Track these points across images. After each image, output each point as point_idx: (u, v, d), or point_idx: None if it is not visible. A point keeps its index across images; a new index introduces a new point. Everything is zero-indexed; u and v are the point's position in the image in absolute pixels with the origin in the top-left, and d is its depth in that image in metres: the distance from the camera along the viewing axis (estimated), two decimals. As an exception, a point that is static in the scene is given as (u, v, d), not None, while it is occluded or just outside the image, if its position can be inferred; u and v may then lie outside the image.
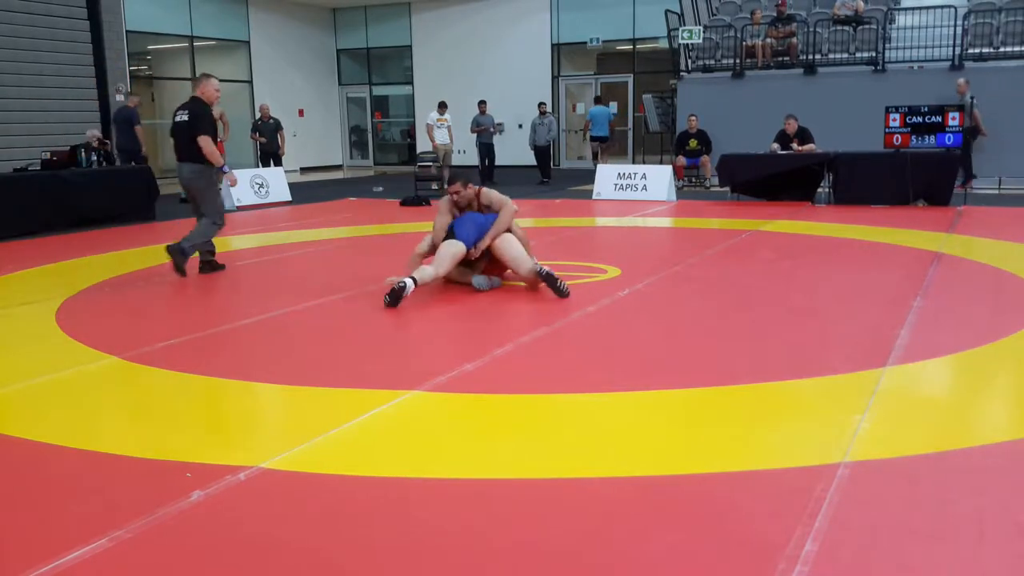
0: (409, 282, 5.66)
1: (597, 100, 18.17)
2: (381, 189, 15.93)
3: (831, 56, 15.03)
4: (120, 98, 15.20)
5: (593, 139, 17.34)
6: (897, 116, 11.35)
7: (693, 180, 14.99)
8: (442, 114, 15.79)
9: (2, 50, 13.28)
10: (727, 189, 12.53)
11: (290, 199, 13.92)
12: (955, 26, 14.02)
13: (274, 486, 2.99)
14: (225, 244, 8.00)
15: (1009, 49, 14.05)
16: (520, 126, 19.96)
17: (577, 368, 4.38)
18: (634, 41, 20.12)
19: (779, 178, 12.06)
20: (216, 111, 8.80)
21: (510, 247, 6.07)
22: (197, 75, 7.93)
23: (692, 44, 15.77)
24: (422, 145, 18.01)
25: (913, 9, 15.07)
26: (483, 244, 6.07)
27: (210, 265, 7.26)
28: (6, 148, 12.58)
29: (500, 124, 18.88)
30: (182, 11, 19.10)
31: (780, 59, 15.36)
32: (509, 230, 6.20)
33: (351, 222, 11.16)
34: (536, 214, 10.88)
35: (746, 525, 2.64)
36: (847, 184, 11.54)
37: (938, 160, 11.11)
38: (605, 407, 3.78)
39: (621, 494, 2.88)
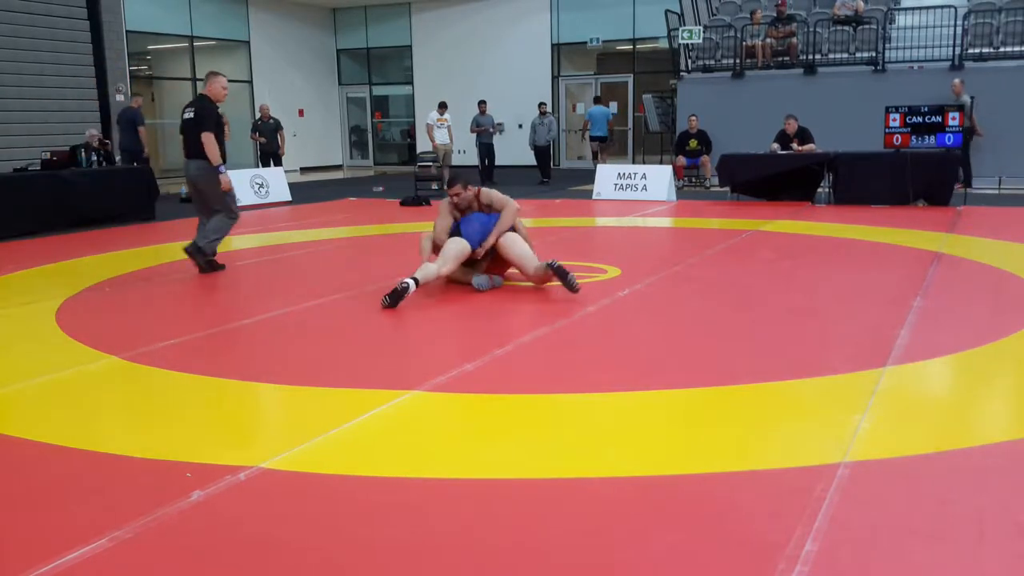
0: (411, 283, 5.66)
1: (596, 100, 18.17)
2: (381, 189, 15.93)
3: (831, 56, 15.03)
4: (120, 98, 15.21)
5: (592, 139, 17.35)
6: (897, 116, 11.36)
7: (693, 180, 14.99)
8: (442, 114, 15.79)
9: (2, 50, 13.28)
10: (727, 189, 12.53)
11: (290, 199, 13.92)
12: (955, 26, 14.02)
13: (274, 486, 2.99)
14: (225, 244, 8.00)
15: (1009, 49, 14.05)
16: (520, 126, 19.96)
17: (577, 368, 4.38)
18: (634, 41, 20.12)
19: (779, 178, 12.06)
20: (190, 111, 8.76)
21: (515, 245, 6.08)
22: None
23: (692, 44, 15.78)
24: (422, 145, 18.01)
25: (913, 9, 15.07)
26: (488, 243, 6.07)
27: (210, 265, 7.26)
28: (6, 148, 12.59)
29: (500, 124, 18.89)
30: (182, 11, 19.11)
31: (780, 59, 15.36)
32: (514, 229, 6.21)
33: (351, 222, 11.17)
34: (536, 214, 10.88)
35: (746, 525, 2.64)
36: (847, 184, 11.54)
37: (938, 160, 11.11)
38: (605, 407, 3.78)
39: (621, 494, 2.88)
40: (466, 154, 18.26)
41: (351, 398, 3.89)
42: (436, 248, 6.25)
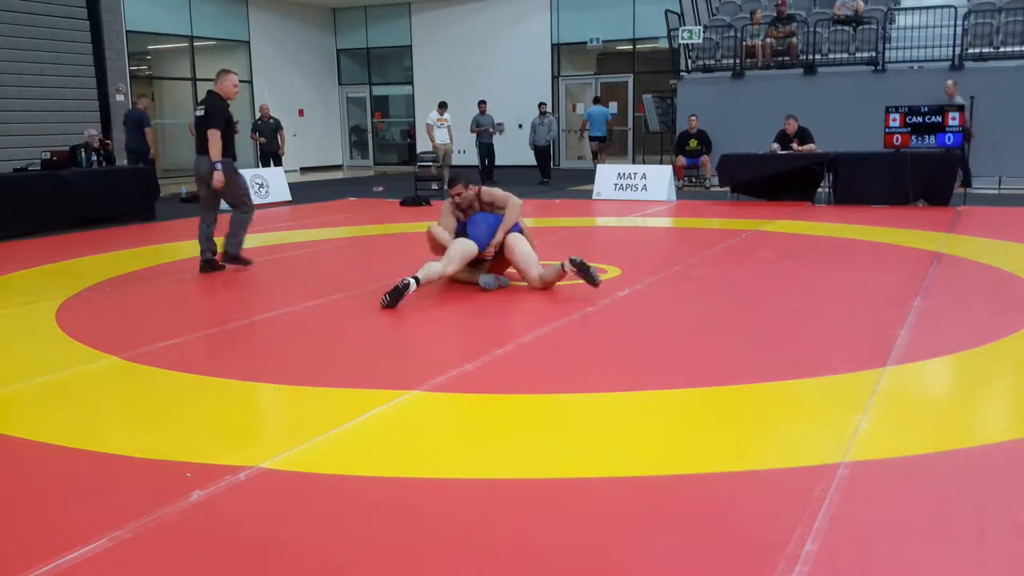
0: (412, 282, 5.66)
1: (596, 101, 18.17)
2: (381, 189, 15.93)
3: (831, 56, 15.04)
4: (120, 98, 15.21)
5: (591, 139, 17.35)
6: (897, 116, 11.36)
7: (693, 180, 14.99)
8: (442, 114, 15.79)
9: (2, 50, 13.28)
10: (727, 189, 12.53)
11: (290, 199, 13.92)
12: (955, 26, 14.02)
13: (274, 486, 2.99)
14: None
15: (1009, 49, 14.05)
16: (520, 126, 19.96)
17: (577, 368, 4.38)
18: (634, 41, 20.12)
19: (779, 178, 12.06)
20: (200, 109, 8.76)
21: (519, 245, 6.08)
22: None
23: (692, 44, 15.78)
24: (422, 145, 18.01)
25: (913, 9, 15.08)
26: (497, 240, 6.07)
27: (210, 264, 7.26)
28: (6, 148, 12.58)
29: (500, 124, 18.89)
30: (182, 11, 19.11)
31: (780, 59, 15.36)
32: (520, 230, 6.20)
33: (351, 222, 11.17)
34: (536, 214, 10.88)
35: (746, 525, 2.64)
36: (847, 184, 11.54)
37: (938, 160, 11.11)
38: (605, 407, 3.78)
39: (621, 494, 2.88)
40: (466, 154, 18.26)
41: (351, 398, 3.89)
42: (439, 250, 6.23)
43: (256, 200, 13.11)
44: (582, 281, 5.88)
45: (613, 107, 19.84)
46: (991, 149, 12.98)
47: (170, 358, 4.59)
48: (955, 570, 2.39)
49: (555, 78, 20.95)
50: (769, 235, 9.00)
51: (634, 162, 19.15)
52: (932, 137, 11.22)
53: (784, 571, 2.34)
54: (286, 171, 14.86)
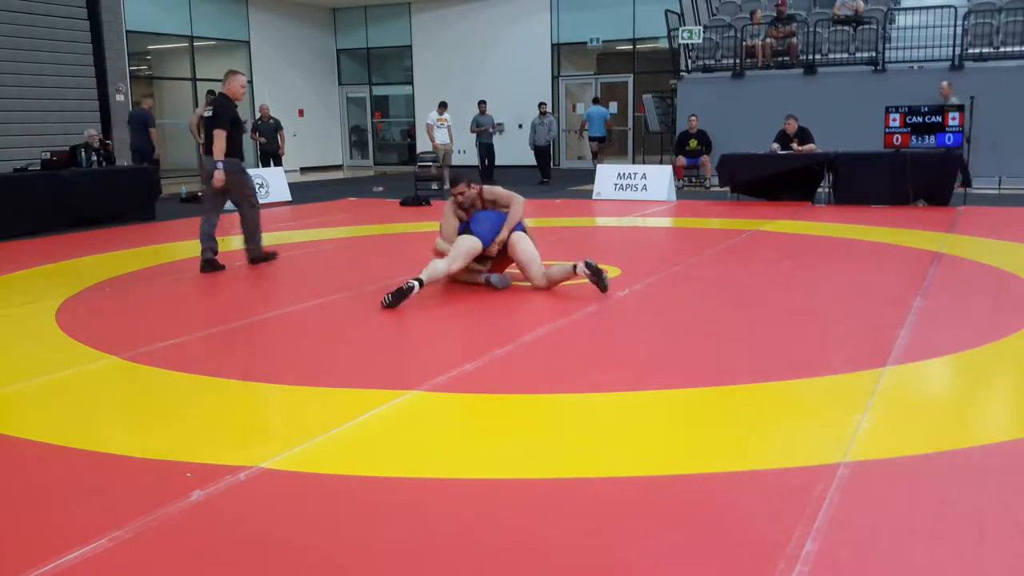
0: (416, 284, 5.65)
1: (595, 101, 18.17)
2: (381, 189, 15.93)
3: (831, 56, 15.04)
4: (120, 98, 15.21)
5: (591, 139, 17.36)
6: (897, 116, 11.36)
7: (693, 180, 14.99)
8: (442, 114, 15.80)
9: (2, 50, 13.27)
10: (727, 189, 12.53)
11: (290, 199, 13.92)
12: (955, 26, 14.02)
13: (274, 486, 2.99)
14: (225, 244, 8.01)
15: (1009, 49, 14.05)
16: (520, 126, 19.96)
17: (577, 368, 4.38)
18: (634, 41, 20.12)
19: (779, 178, 12.06)
20: (208, 110, 8.77)
21: (523, 244, 6.08)
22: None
23: (692, 44, 15.78)
24: (422, 145, 18.01)
25: (913, 9, 15.08)
26: (502, 237, 6.06)
27: (211, 264, 7.26)
28: (6, 148, 12.58)
29: (500, 124, 18.89)
30: (182, 11, 19.11)
31: (780, 59, 15.36)
32: (524, 229, 6.21)
33: (351, 222, 11.17)
34: (536, 214, 10.87)
35: (746, 525, 2.64)
36: (847, 184, 11.54)
37: (938, 160, 11.11)
38: (605, 407, 3.78)
39: (621, 494, 2.88)
40: (466, 154, 18.27)
41: (351, 398, 3.89)
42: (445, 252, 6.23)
43: (256, 200, 13.19)
44: (585, 281, 5.88)
45: (613, 107, 19.84)
46: (991, 149, 12.97)
47: (170, 358, 4.59)
48: (955, 570, 2.39)
49: (555, 78, 20.95)
50: (769, 235, 9.00)
51: (634, 162, 19.15)
52: (932, 137, 11.22)
53: (784, 571, 2.34)
54: (286, 171, 14.86)
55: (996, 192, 12.99)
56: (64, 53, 14.15)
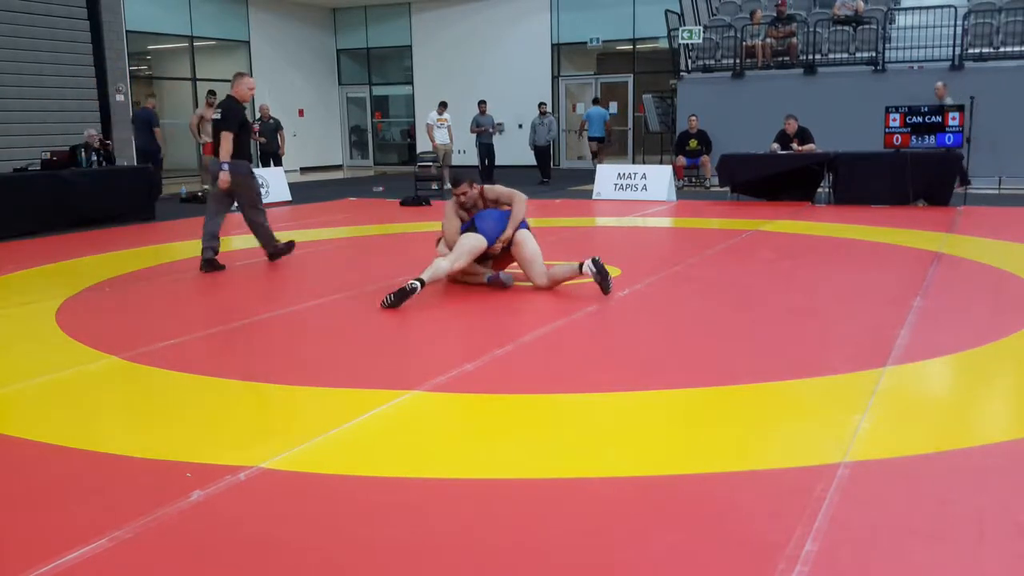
0: (418, 285, 5.65)
1: (595, 102, 18.17)
2: (381, 189, 15.93)
3: (831, 56, 15.04)
4: (120, 98, 15.20)
5: (590, 139, 17.37)
6: (897, 116, 11.36)
7: (693, 180, 14.99)
8: (442, 114, 15.80)
9: (2, 50, 13.26)
10: (727, 189, 12.53)
11: (290, 199, 13.92)
12: (955, 26, 14.03)
13: (274, 486, 2.99)
14: (225, 244, 8.01)
15: (1009, 49, 14.06)
16: (520, 126, 19.96)
17: (577, 368, 4.38)
18: (634, 41, 20.12)
19: (779, 178, 12.06)
20: (217, 112, 8.73)
21: (528, 241, 6.09)
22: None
23: (692, 44, 15.78)
24: (422, 145, 18.01)
25: (913, 9, 15.08)
26: (507, 235, 6.05)
27: (211, 264, 7.27)
28: (6, 148, 12.56)
29: (500, 124, 18.89)
30: (182, 11, 19.11)
31: (780, 59, 15.36)
32: (527, 226, 6.22)
33: (351, 222, 11.17)
34: (536, 214, 10.86)
35: (746, 525, 2.64)
36: (847, 184, 11.54)
37: (938, 160, 11.11)
38: (605, 407, 3.78)
39: (621, 494, 2.88)
40: (466, 154, 18.27)
41: (351, 398, 3.89)
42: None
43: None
44: (587, 281, 5.88)
45: (613, 107, 19.85)
46: (991, 149, 12.97)
47: (170, 358, 4.59)
48: (955, 570, 2.39)
49: (555, 78, 20.95)
50: (769, 235, 9.00)
51: (634, 162, 19.15)
52: (932, 137, 11.22)
53: (784, 571, 2.34)
54: (286, 171, 14.86)
55: (996, 192, 12.99)
56: (64, 53, 14.14)
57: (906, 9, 15.46)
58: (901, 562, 2.41)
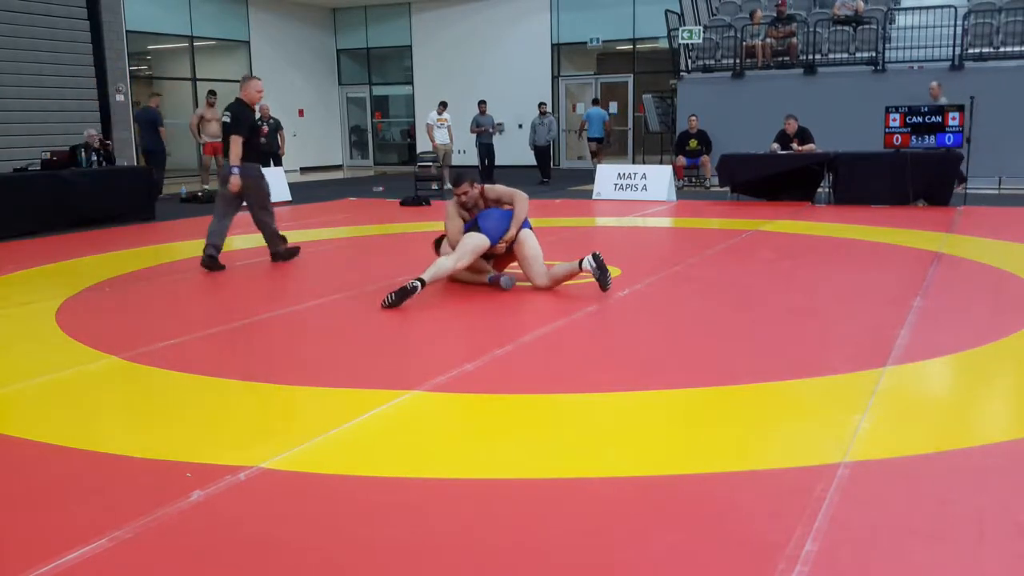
0: (419, 285, 5.64)
1: (595, 102, 18.18)
2: (381, 189, 15.93)
3: (831, 56, 15.04)
4: (120, 98, 15.21)
5: (589, 140, 17.38)
6: (897, 116, 11.35)
7: (693, 180, 14.99)
8: (442, 114, 15.79)
9: (2, 50, 13.27)
10: (727, 189, 12.53)
11: (290, 199, 13.92)
12: (955, 26, 14.02)
13: (274, 486, 2.99)
14: (226, 244, 8.00)
15: (1009, 49, 14.06)
16: (520, 126, 19.96)
17: (577, 368, 4.38)
18: (634, 41, 20.12)
19: (779, 178, 12.06)
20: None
21: (530, 240, 6.09)
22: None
23: (692, 44, 15.78)
24: (422, 145, 18.01)
25: (913, 9, 15.08)
26: (511, 234, 6.05)
27: (211, 261, 7.27)
28: (6, 148, 12.57)
29: (500, 124, 18.88)
30: (182, 11, 19.11)
31: (780, 59, 15.36)
32: (529, 226, 6.22)
33: (351, 222, 11.17)
34: (536, 214, 10.84)
35: (746, 525, 2.64)
36: (847, 184, 11.54)
37: (938, 160, 11.11)
38: (605, 407, 3.78)
39: (621, 494, 2.88)
40: (466, 154, 18.27)
41: (351, 398, 3.89)
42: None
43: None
44: (585, 281, 5.88)
45: (613, 107, 19.85)
46: (991, 149, 12.97)
47: (170, 358, 4.59)
48: (955, 570, 2.39)
49: (555, 78, 20.95)
50: (769, 235, 9.00)
51: (634, 162, 19.15)
52: (932, 137, 11.21)
53: (784, 571, 2.34)
54: (286, 171, 14.86)
55: (996, 192, 12.99)
56: (64, 53, 14.14)
57: (906, 9, 15.46)
58: (901, 562, 2.41)
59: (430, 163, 14.80)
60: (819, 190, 12.03)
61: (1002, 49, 14.13)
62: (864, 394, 3.78)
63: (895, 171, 11.15)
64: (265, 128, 7.22)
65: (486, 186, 6.34)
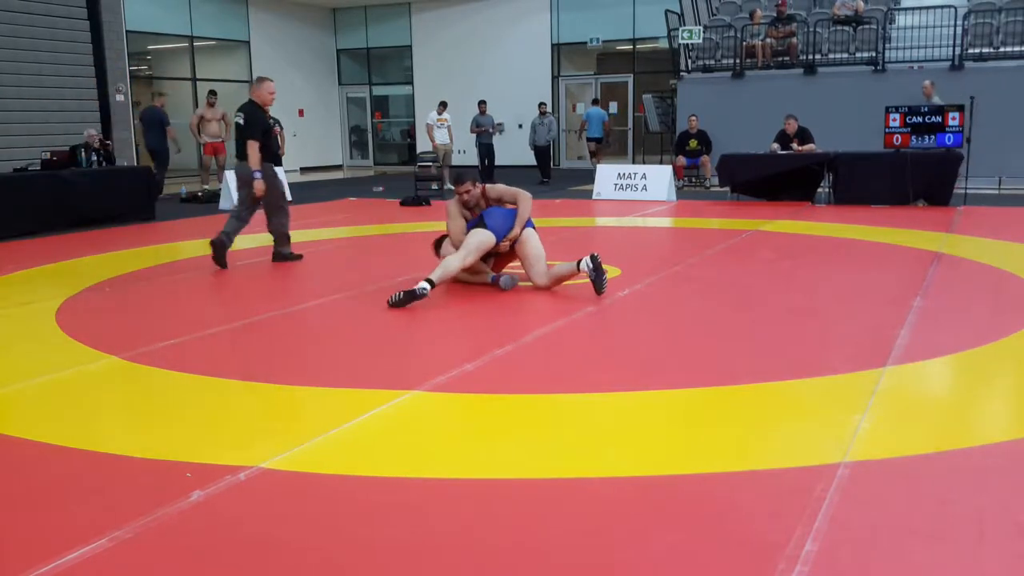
0: (428, 288, 5.64)
1: (595, 102, 18.19)
2: (381, 189, 15.93)
3: (831, 56, 15.04)
4: (120, 98, 15.21)
5: (589, 140, 17.38)
6: (897, 116, 11.35)
7: (693, 180, 14.99)
8: (442, 114, 15.79)
9: (2, 50, 13.27)
10: (727, 189, 12.53)
11: (290, 199, 13.82)
12: (955, 26, 14.02)
13: (274, 486, 2.99)
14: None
15: (1009, 49, 14.05)
16: (520, 126, 19.96)
17: (577, 368, 4.38)
18: (634, 41, 20.12)
19: (779, 178, 12.06)
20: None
21: (533, 239, 6.09)
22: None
23: (692, 44, 15.78)
24: (422, 145, 18.00)
25: (913, 9, 15.08)
26: (515, 233, 6.06)
27: (220, 245, 7.32)
28: (6, 148, 12.57)
29: (500, 124, 18.88)
30: (182, 11, 19.11)
31: (780, 59, 15.36)
32: (532, 225, 6.22)
33: (351, 222, 11.17)
34: (536, 214, 10.82)
35: (746, 525, 2.64)
36: (847, 184, 11.54)
37: (938, 160, 11.11)
38: (605, 407, 3.78)
39: (621, 494, 2.88)
40: (466, 154, 18.26)
41: (351, 398, 3.89)
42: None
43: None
44: (587, 281, 5.88)
45: (613, 107, 19.84)
46: (991, 149, 12.97)
47: (170, 358, 4.59)
48: (955, 570, 2.39)
49: (555, 78, 20.95)
50: (769, 235, 9.00)
51: (634, 162, 19.15)
52: (932, 137, 11.21)
53: (784, 571, 2.34)
54: (286, 171, 14.84)
55: (996, 192, 12.99)
56: (64, 53, 14.15)
57: (906, 9, 15.46)
58: (901, 562, 2.41)
59: (430, 163, 14.79)
60: (819, 190, 12.03)
61: (1002, 49, 14.13)
62: (864, 394, 3.78)
63: (895, 171, 11.15)
64: (278, 128, 7.26)
65: (487, 185, 6.34)
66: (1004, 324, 5.00)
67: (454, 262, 5.85)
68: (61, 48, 14.13)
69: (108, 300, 6.32)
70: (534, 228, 6.22)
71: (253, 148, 7.16)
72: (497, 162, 16.89)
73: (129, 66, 16.93)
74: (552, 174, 17.30)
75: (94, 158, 11.19)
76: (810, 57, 14.98)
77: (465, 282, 6.29)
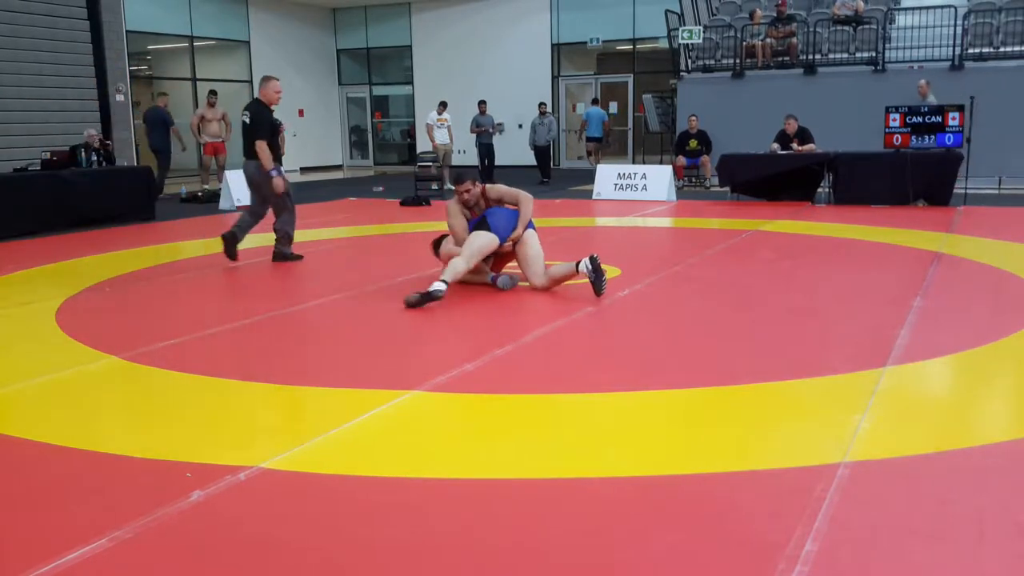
0: (443, 290, 5.64)
1: (594, 102, 18.19)
2: (381, 189, 15.93)
3: (831, 56, 15.04)
4: (120, 98, 15.21)
5: (588, 140, 17.38)
6: (897, 116, 11.35)
7: (693, 180, 14.99)
8: (442, 114, 15.80)
9: (2, 50, 13.27)
10: (727, 189, 12.53)
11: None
12: (955, 26, 14.02)
13: (274, 486, 2.99)
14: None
15: (1009, 49, 14.05)
16: (520, 126, 19.96)
17: (577, 368, 4.38)
18: (634, 41, 20.12)
19: (779, 178, 12.06)
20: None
21: (533, 240, 6.10)
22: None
23: (692, 44, 15.78)
24: (422, 145, 18.00)
25: (913, 9, 15.08)
26: (517, 233, 6.07)
27: (232, 238, 7.38)
28: (6, 148, 12.57)
29: (500, 124, 18.88)
30: (182, 11, 19.11)
31: (780, 59, 15.36)
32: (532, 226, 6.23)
33: (351, 222, 11.17)
34: (536, 214, 10.81)
35: (746, 525, 2.64)
36: (847, 184, 11.54)
37: (938, 160, 11.11)
38: (605, 407, 3.78)
39: (621, 494, 2.88)
40: (466, 154, 18.26)
41: (351, 398, 3.89)
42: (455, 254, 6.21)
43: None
44: (586, 281, 5.88)
45: (613, 107, 19.84)
46: (991, 149, 12.96)
47: (170, 358, 4.59)
48: (955, 570, 2.39)
49: (555, 78, 20.95)
50: (769, 235, 9.00)
51: (634, 162, 19.15)
52: (932, 137, 11.21)
53: (784, 571, 2.34)
54: (286, 171, 14.83)
55: (996, 192, 12.99)
56: (64, 53, 14.15)
57: (906, 9, 15.46)
58: (901, 562, 2.41)
59: (430, 163, 14.79)
60: (819, 190, 12.03)
61: (1002, 49, 14.13)
62: (864, 394, 3.78)
63: (895, 171, 11.15)
64: (283, 127, 7.27)
65: (487, 186, 6.35)
66: (1004, 324, 5.00)
67: (461, 264, 5.86)
68: (61, 48, 14.13)
69: (108, 300, 6.32)
70: (534, 229, 6.22)
71: (262, 148, 7.17)
72: (497, 162, 16.89)
73: (129, 66, 16.93)
74: (552, 174, 17.30)
75: (94, 158, 11.19)
76: (810, 57, 14.98)
77: (465, 282, 6.28)
